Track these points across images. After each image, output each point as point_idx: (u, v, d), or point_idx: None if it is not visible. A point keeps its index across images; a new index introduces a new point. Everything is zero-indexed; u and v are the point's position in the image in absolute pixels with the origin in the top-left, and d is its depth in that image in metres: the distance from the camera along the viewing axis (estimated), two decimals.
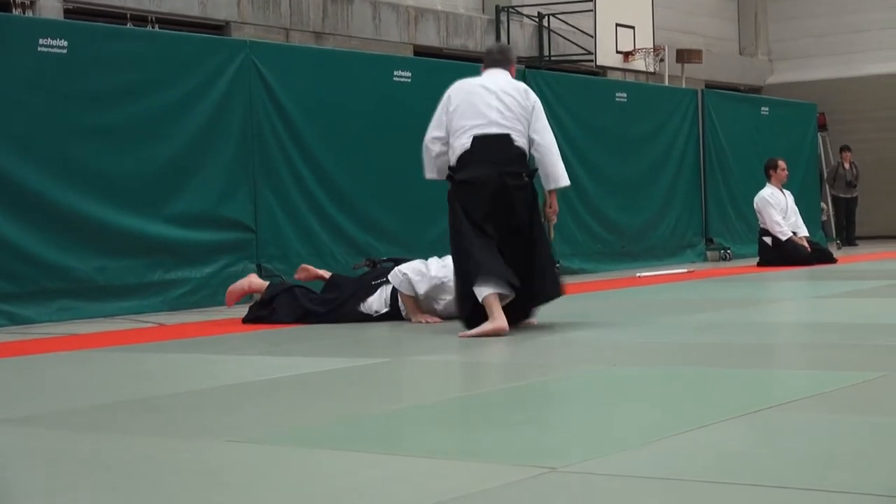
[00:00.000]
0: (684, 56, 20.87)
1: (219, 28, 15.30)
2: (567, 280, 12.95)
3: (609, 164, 15.22)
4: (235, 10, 15.54)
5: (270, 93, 11.04)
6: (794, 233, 14.66)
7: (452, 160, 7.24)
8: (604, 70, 19.77)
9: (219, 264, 10.50)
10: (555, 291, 7.37)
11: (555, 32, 20.23)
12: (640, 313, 8.43)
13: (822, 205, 20.99)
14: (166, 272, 10.09)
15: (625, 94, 15.81)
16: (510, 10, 19.61)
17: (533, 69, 15.96)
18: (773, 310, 9.03)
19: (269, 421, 4.32)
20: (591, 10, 18.97)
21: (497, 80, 7.34)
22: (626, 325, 7.49)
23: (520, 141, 7.22)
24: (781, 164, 14.99)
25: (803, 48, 25.92)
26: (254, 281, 8.83)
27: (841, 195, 21.88)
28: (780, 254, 14.40)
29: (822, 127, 22.22)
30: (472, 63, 16.15)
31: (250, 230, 10.79)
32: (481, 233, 7.06)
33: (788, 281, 11.87)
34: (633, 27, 19.53)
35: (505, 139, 7.17)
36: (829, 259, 14.71)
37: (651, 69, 20.14)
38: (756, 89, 25.13)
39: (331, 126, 11.50)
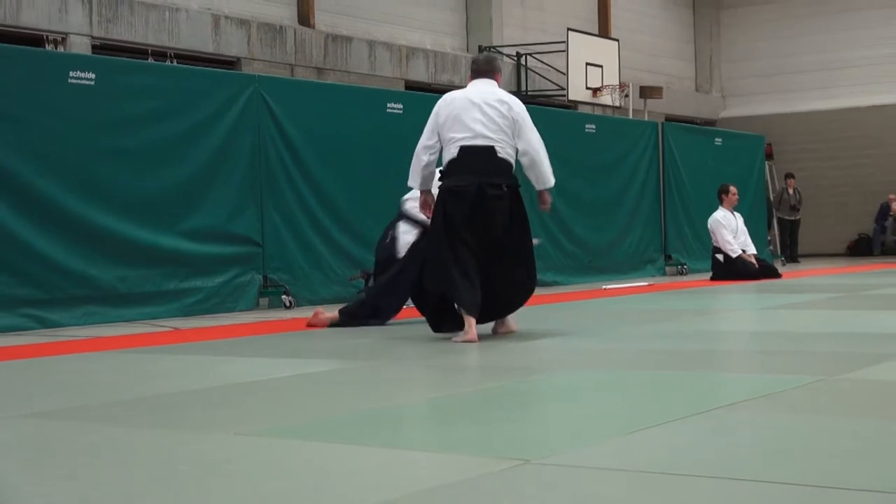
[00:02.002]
0: (647, 92, 20.94)
1: (231, 63, 15.30)
2: (541, 291, 12.96)
3: (579, 188, 15.23)
4: (245, 47, 15.54)
5: (276, 122, 11.03)
6: (744, 251, 14.69)
7: (444, 167, 7.13)
8: (575, 104, 19.83)
9: (229, 275, 10.48)
10: (521, 298, 7.24)
11: (531, 70, 20.27)
12: (607, 322, 8.42)
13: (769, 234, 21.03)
14: (181, 281, 10.05)
15: (593, 126, 15.83)
16: (491, 49, 19.64)
17: None
18: (724, 319, 9.03)
19: (270, 416, 4.30)
20: (564, 51, 19.04)
21: (482, 92, 7.12)
22: (594, 333, 7.47)
23: (504, 152, 7.05)
24: (732, 189, 15.04)
25: (752, 86, 26.04)
26: (323, 314, 8.37)
27: (785, 217, 21.94)
28: (730, 269, 14.42)
29: (769, 156, 22.34)
30: None
31: (257, 244, 10.77)
32: (461, 242, 6.96)
33: (738, 294, 11.87)
34: (601, 66, 19.59)
35: (489, 151, 7.01)
36: (774, 274, 14.75)
37: (617, 104, 20.20)
38: (710, 122, 25.22)
39: (330, 152, 11.50)
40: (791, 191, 22.03)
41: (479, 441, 3.63)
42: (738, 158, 18.63)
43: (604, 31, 22.16)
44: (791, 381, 4.75)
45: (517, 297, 7.23)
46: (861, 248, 24.25)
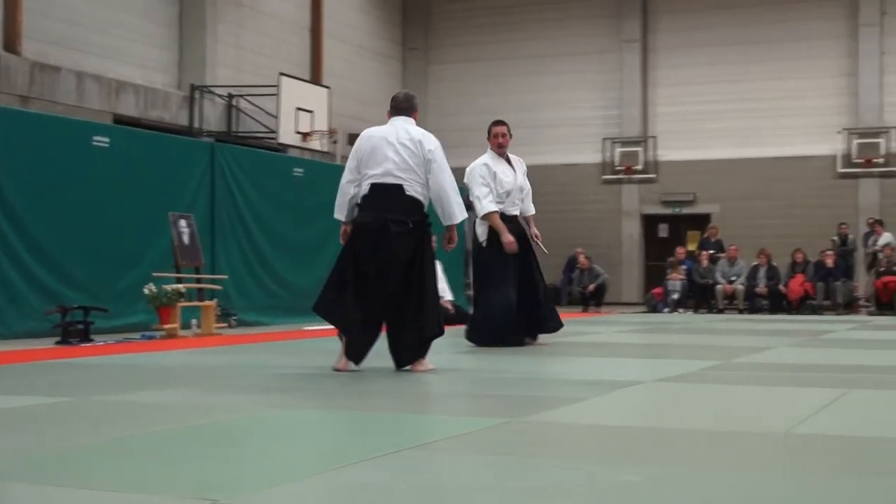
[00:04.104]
0: (355, 139, 21.18)
1: None
2: (244, 331, 12.85)
3: (286, 229, 15.25)
4: None
5: None
6: (441, 296, 15.00)
7: (359, 202, 7.31)
8: (285, 147, 19.85)
9: None
10: (432, 330, 7.40)
11: (242, 112, 20.18)
12: (309, 361, 8.43)
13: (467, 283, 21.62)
14: None
15: (302, 170, 15.91)
16: (203, 88, 19.44)
17: (221, 143, 15.84)
18: None
19: None
20: (276, 94, 19.05)
21: (398, 131, 7.33)
22: (295, 372, 7.46)
23: (413, 190, 7.25)
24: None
25: (459, 140, 26.65)
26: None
27: None
28: None
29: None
30: (168, 133, 15.92)
31: None
32: (363, 277, 7.15)
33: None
34: (311, 111, 19.72)
35: (397, 189, 7.20)
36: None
37: (325, 149, 20.38)
38: None
39: (32, 182, 11.08)
40: None
41: (170, 481, 3.57)
42: None
43: (316, 78, 22.34)
44: (479, 422, 4.90)
45: (411, 347, 7.37)
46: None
